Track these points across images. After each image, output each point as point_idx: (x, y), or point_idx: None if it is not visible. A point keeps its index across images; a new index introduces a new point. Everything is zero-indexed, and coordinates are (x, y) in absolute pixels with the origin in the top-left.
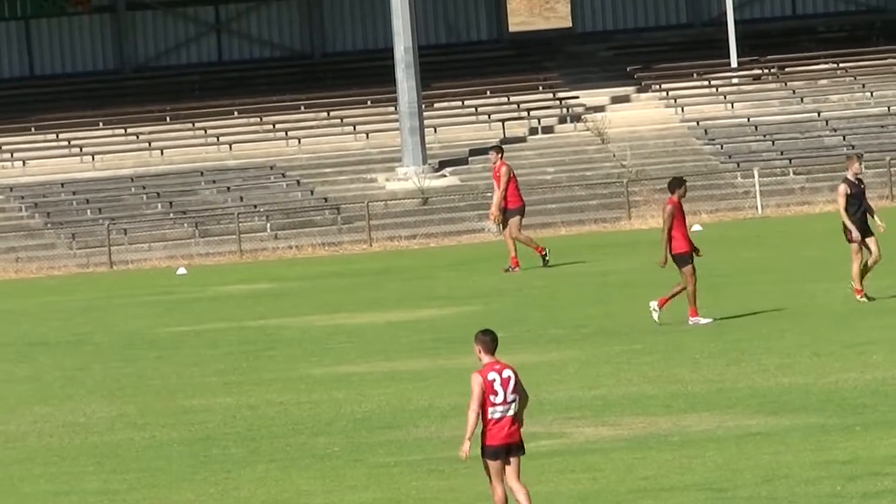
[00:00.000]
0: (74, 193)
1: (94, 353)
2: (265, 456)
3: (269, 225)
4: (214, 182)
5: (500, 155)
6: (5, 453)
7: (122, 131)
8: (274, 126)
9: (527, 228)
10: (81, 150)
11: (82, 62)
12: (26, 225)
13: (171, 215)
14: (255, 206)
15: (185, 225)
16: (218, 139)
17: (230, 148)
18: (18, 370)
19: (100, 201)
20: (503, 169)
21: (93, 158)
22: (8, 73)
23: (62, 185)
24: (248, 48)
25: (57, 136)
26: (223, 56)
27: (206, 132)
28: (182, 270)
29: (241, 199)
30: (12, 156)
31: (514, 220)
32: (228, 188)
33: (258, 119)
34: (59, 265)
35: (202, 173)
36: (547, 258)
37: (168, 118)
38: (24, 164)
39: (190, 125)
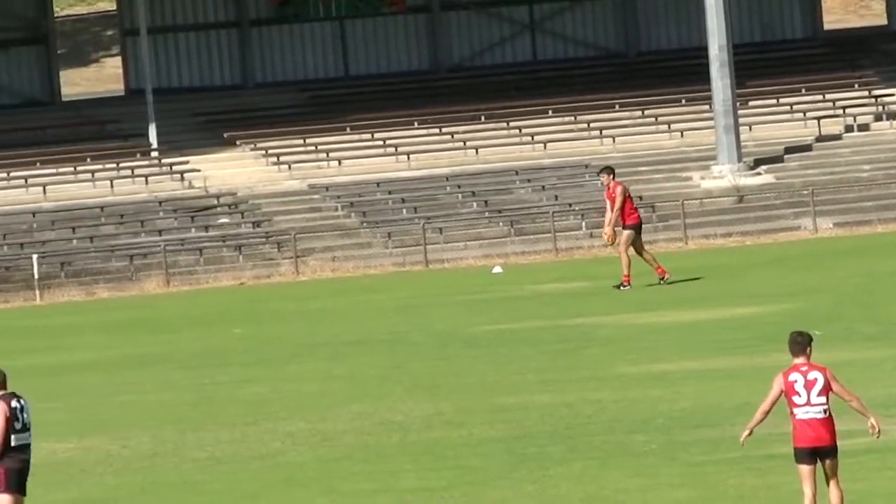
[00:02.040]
0: (390, 193)
1: (409, 352)
2: (582, 454)
3: (583, 223)
4: (529, 181)
5: (611, 176)
6: (323, 451)
7: (437, 131)
8: (588, 125)
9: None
10: (396, 149)
11: (397, 62)
12: (342, 224)
13: (487, 214)
14: (570, 205)
15: (501, 224)
16: (532, 138)
17: (545, 147)
18: (335, 369)
19: (415, 200)
20: (618, 189)
21: (408, 158)
22: (323, 73)
23: (377, 184)
24: (562, 47)
25: (372, 136)
26: (537, 55)
27: (520, 131)
28: (498, 269)
29: (556, 197)
30: (328, 155)
31: (626, 234)
32: (543, 187)
33: (572, 118)
34: (375, 264)
35: (517, 172)
36: (665, 279)
37: (482, 117)
38: (339, 163)
39: (504, 124)
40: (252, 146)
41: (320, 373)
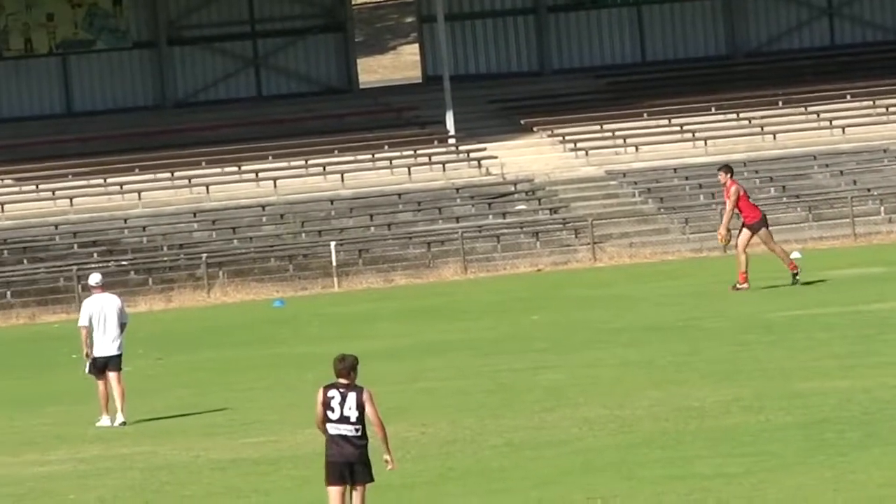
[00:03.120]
0: (687, 178)
1: (706, 338)
2: (881, 439)
3: (882, 208)
4: (827, 166)
5: (729, 175)
6: (621, 437)
7: (734, 116)
8: (887, 109)
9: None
10: (694, 135)
11: (693, 47)
12: (640, 210)
13: (784, 199)
14: (869, 190)
15: (799, 209)
16: (831, 123)
17: (843, 131)
18: (632, 355)
19: (713, 186)
20: (732, 188)
21: (705, 143)
22: (620, 59)
23: (675, 170)
24: (860, 31)
25: (669, 122)
26: (835, 40)
27: (818, 116)
28: (796, 254)
29: (855, 182)
30: (625, 141)
31: (763, 232)
32: (841, 172)
33: (871, 102)
34: (673, 250)
35: (815, 157)
36: (797, 276)
37: (780, 102)
38: (636, 149)
39: (802, 109)
40: (549, 133)
41: (617, 359)
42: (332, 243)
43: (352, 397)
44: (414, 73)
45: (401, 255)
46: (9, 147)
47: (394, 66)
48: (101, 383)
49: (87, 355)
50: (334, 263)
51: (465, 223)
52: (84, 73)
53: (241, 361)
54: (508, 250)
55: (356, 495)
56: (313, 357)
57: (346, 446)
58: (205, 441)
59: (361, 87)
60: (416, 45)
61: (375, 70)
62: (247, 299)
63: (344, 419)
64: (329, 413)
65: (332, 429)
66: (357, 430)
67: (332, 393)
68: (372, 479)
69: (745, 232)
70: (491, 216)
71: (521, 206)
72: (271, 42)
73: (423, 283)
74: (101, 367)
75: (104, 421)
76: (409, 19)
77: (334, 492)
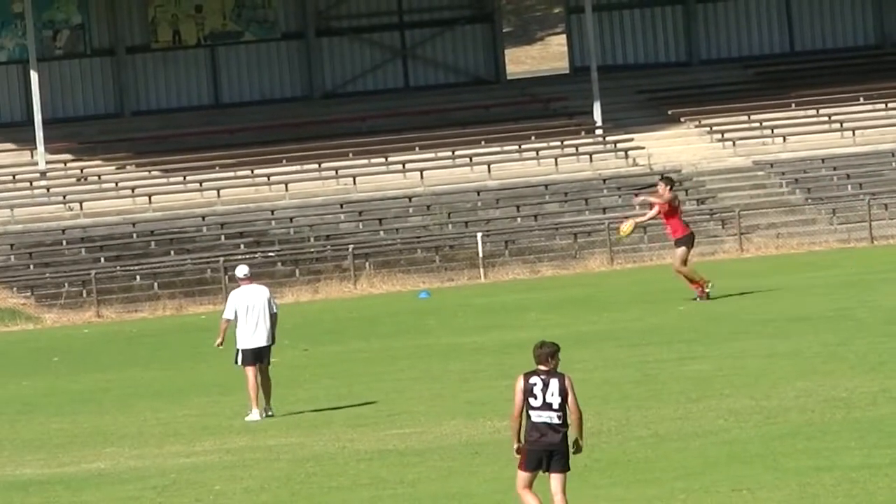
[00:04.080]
0: (835, 169)
1: (855, 328)
2: None
3: None
4: None
5: (668, 186)
6: (767, 429)
7: (883, 106)
8: None
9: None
10: (842, 125)
11: (842, 37)
12: (787, 201)
13: None
14: None
15: None
16: None
17: None
18: (780, 345)
19: (860, 176)
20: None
21: (853, 133)
22: (768, 49)
23: (822, 160)
24: None
25: (817, 112)
26: None
27: None
28: None
29: None
30: (773, 132)
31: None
32: None
33: None
34: (820, 240)
35: None
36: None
37: None
38: (784, 140)
39: None
40: (696, 123)
41: (764, 349)
42: (479, 234)
43: (554, 383)
44: (561, 64)
45: (547, 245)
46: (157, 138)
47: (541, 57)
48: (250, 376)
49: (219, 345)
50: (480, 254)
51: (612, 214)
52: (232, 65)
53: (387, 352)
54: (655, 241)
55: (556, 483)
56: (459, 348)
57: (548, 433)
58: (351, 432)
59: (509, 77)
60: (564, 36)
61: (523, 61)
62: (393, 290)
63: (546, 405)
64: (531, 400)
65: (535, 416)
66: (559, 417)
67: (534, 380)
68: (569, 468)
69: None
70: (637, 207)
71: None
72: (419, 33)
73: (569, 273)
74: (251, 358)
75: (254, 415)
76: (557, 10)
77: (527, 477)
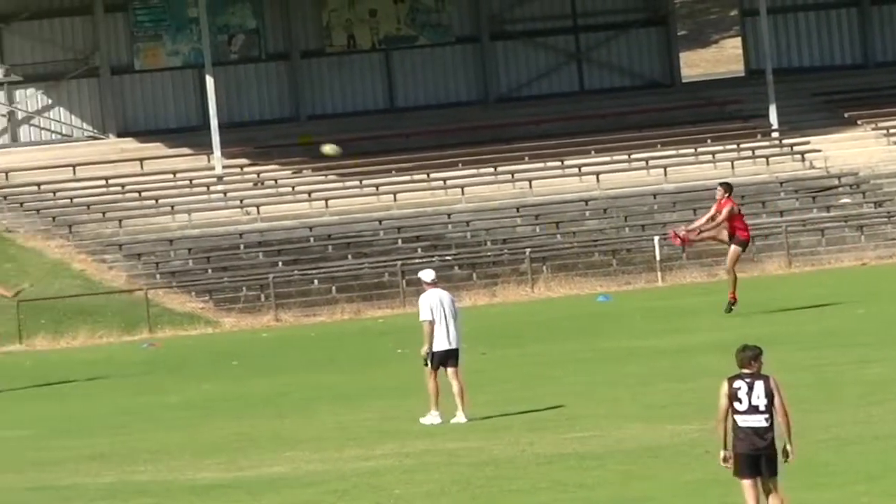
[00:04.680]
0: None
1: None
2: None
3: None
4: None
5: (727, 192)
6: None
7: None
8: None
9: None
10: None
11: None
12: None
13: None
14: None
15: None
16: None
17: None
18: None
19: None
20: (726, 207)
21: None
22: None
23: None
24: None
25: None
26: None
27: None
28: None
29: None
30: None
31: (734, 249)
32: None
33: None
34: None
35: None
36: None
37: None
38: None
39: None
40: (873, 126)
41: None
42: (656, 238)
43: (759, 386)
44: (736, 67)
45: (724, 249)
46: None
47: (716, 60)
48: (432, 379)
49: (427, 353)
50: (658, 258)
51: (789, 217)
52: (407, 69)
53: (565, 355)
54: (833, 244)
55: (767, 486)
56: (638, 351)
57: (755, 438)
58: (530, 435)
59: (684, 80)
60: (739, 39)
61: (698, 64)
62: (570, 294)
63: (752, 409)
64: (736, 404)
65: (741, 420)
66: (767, 420)
67: (739, 384)
68: (776, 472)
69: (735, 248)
70: (815, 210)
71: (846, 200)
72: (593, 36)
73: (746, 277)
74: (440, 361)
75: (432, 417)
76: (732, 13)
77: (747, 485)
